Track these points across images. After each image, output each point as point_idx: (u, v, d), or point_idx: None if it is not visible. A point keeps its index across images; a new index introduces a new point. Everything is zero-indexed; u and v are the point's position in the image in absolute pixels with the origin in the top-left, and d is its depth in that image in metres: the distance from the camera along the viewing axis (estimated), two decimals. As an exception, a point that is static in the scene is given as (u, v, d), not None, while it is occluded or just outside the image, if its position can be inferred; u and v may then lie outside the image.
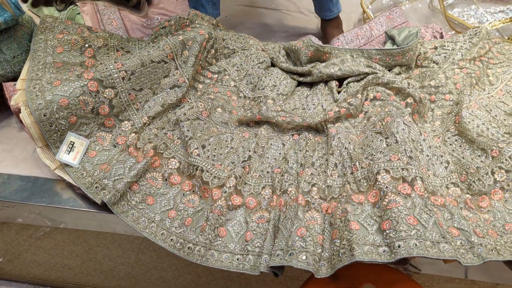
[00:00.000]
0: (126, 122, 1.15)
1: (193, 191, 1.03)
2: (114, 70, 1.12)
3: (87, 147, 1.10)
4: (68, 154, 1.06)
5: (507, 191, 0.97)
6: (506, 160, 0.98)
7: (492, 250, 0.83)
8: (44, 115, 1.04)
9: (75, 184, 1.06)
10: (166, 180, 1.05)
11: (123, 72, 1.13)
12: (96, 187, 1.03)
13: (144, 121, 1.15)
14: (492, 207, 0.96)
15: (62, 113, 1.05)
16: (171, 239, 0.95)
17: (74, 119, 1.08)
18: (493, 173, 0.99)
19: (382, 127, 1.05)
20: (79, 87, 1.08)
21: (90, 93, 1.08)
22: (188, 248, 0.92)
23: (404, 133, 1.01)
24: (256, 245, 0.91)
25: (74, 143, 1.08)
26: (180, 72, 1.23)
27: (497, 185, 0.98)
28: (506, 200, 0.96)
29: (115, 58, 1.22)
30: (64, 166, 1.08)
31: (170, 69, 1.23)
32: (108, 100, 1.12)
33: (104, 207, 1.01)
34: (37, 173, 1.13)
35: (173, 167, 1.06)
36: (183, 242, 0.94)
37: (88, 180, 1.05)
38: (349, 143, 1.04)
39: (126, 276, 1.41)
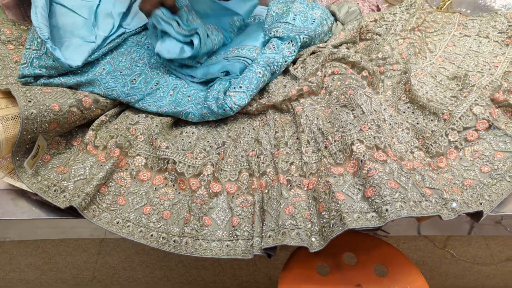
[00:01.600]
0: (84, 128, 1.10)
1: (166, 185, 1.00)
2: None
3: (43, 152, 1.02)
4: (32, 159, 0.97)
5: (460, 150, 1.06)
6: (457, 121, 1.07)
7: (462, 204, 0.90)
8: (32, 114, 0.92)
9: (30, 190, 0.97)
10: (134, 178, 1.01)
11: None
12: (55, 190, 0.96)
13: (102, 119, 1.09)
14: (450, 166, 1.04)
15: (48, 117, 0.95)
16: (151, 235, 0.92)
17: (54, 126, 0.99)
18: (447, 134, 1.07)
19: (346, 100, 1.08)
20: (74, 98, 1.02)
21: (81, 108, 1.04)
22: (174, 241, 0.90)
23: (367, 104, 1.05)
24: (245, 229, 0.91)
25: (39, 147, 0.98)
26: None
27: (452, 145, 1.06)
28: (461, 158, 1.05)
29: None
30: (18, 171, 0.98)
31: None
32: (90, 118, 1.09)
33: (66, 212, 0.95)
34: (-16, 185, 1.02)
35: (140, 164, 1.02)
36: (166, 236, 0.92)
37: (45, 184, 0.97)
38: (317, 118, 1.07)
39: (91, 282, 1.35)
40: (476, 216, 0.93)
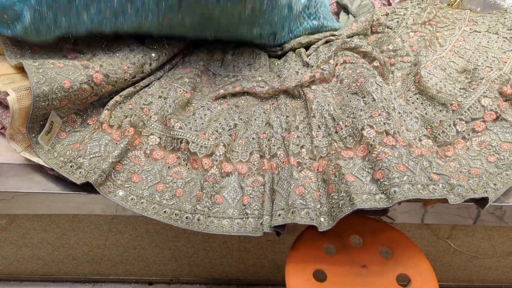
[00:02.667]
0: (99, 107, 1.14)
1: (179, 164, 1.03)
2: (120, 71, 1.15)
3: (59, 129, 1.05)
4: (46, 135, 1.00)
5: (467, 140, 1.08)
6: (465, 112, 1.09)
7: (468, 190, 0.92)
8: (43, 92, 0.97)
9: (46, 165, 1.00)
10: (148, 156, 1.03)
11: (128, 74, 1.16)
12: (71, 166, 0.99)
13: (117, 100, 1.12)
14: (457, 155, 1.06)
15: (59, 94, 0.99)
16: (165, 211, 0.95)
17: (66, 103, 1.02)
18: (455, 124, 1.09)
19: (357, 87, 1.11)
20: (85, 74, 1.05)
21: (92, 84, 1.06)
22: (186, 218, 0.92)
23: (378, 92, 1.07)
24: (255, 208, 0.93)
25: (53, 123, 1.01)
26: (162, 72, 1.30)
27: (459, 135, 1.08)
28: (468, 148, 1.07)
29: (119, 59, 1.20)
30: (35, 147, 1.01)
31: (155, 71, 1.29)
32: (102, 94, 1.11)
33: (80, 188, 0.98)
34: (2, 159, 1.05)
35: (153, 143, 1.04)
36: (178, 213, 0.94)
37: (61, 160, 1.00)
38: (329, 105, 1.09)
39: (101, 260, 1.37)
40: (481, 203, 0.96)
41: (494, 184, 0.99)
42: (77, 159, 1.00)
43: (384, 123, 0.98)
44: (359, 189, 0.88)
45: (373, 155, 0.92)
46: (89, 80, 1.05)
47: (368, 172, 0.92)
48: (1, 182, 1.01)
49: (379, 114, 1.00)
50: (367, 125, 0.98)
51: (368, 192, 0.87)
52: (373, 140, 0.95)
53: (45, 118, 1.00)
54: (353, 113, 1.04)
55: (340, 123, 1.03)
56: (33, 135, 1.01)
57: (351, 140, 1.00)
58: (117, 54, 1.20)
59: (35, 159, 1.02)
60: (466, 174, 1.02)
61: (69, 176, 0.97)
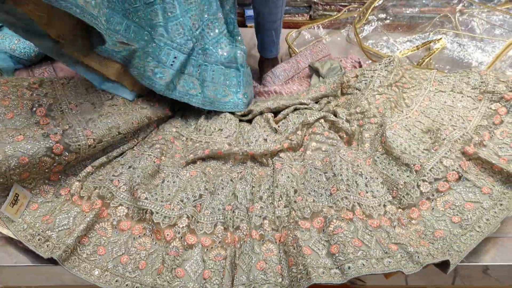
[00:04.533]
0: (71, 176, 1.15)
1: (144, 234, 1.04)
2: (83, 137, 1.13)
3: (29, 200, 1.07)
4: (12, 207, 1.03)
5: (432, 200, 1.09)
6: (427, 173, 1.11)
7: (427, 255, 0.93)
8: None
9: (15, 237, 1.02)
10: (115, 228, 1.05)
11: (91, 140, 1.14)
12: (39, 239, 1.00)
13: (88, 171, 1.15)
14: (422, 217, 1.07)
15: (18, 170, 1.02)
16: (126, 285, 0.95)
17: (26, 175, 1.05)
18: (418, 186, 1.11)
19: (321, 165, 1.19)
20: (44, 147, 1.05)
21: (52, 155, 1.07)
22: (147, 292, 0.93)
23: (341, 164, 1.12)
24: (215, 283, 0.93)
25: (18, 195, 1.04)
26: (136, 141, 1.32)
27: (424, 196, 1.10)
28: (432, 209, 1.08)
29: (84, 123, 1.18)
30: (4, 219, 1.03)
31: (129, 140, 1.30)
32: (66, 162, 1.12)
33: (49, 260, 0.99)
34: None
35: (121, 214, 1.06)
36: (140, 286, 0.94)
37: (30, 232, 1.02)
38: (292, 180, 1.14)
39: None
40: (444, 267, 0.96)
41: (458, 246, 0.99)
42: (45, 232, 1.01)
43: (342, 198, 1.02)
44: (315, 262, 0.89)
45: (330, 228, 0.95)
46: (48, 152, 1.06)
47: (323, 245, 0.94)
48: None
49: (337, 189, 1.05)
50: (327, 205, 1.03)
51: (324, 266, 0.89)
52: (331, 215, 0.98)
53: (4, 192, 1.03)
54: (314, 190, 1.10)
55: (301, 196, 1.07)
56: None
57: (308, 210, 1.02)
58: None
59: (5, 231, 1.04)
60: (430, 237, 1.02)
61: (36, 249, 0.99)
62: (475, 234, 1.00)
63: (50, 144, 1.07)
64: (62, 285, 1.12)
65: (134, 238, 1.03)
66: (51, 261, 1.00)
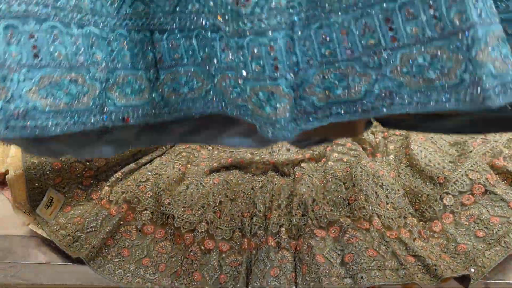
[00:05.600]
0: (102, 181, 1.21)
1: (166, 238, 1.08)
2: None
3: (62, 203, 1.15)
4: (47, 209, 1.10)
5: (456, 214, 1.06)
6: (451, 186, 1.09)
7: (446, 269, 0.91)
8: (35, 174, 1.10)
9: (49, 238, 1.09)
10: (139, 231, 1.10)
11: None
12: (69, 239, 1.07)
13: (118, 176, 1.21)
14: (445, 230, 1.05)
15: (52, 175, 1.11)
16: (146, 286, 0.99)
17: (60, 180, 1.14)
18: (441, 199, 1.09)
19: (342, 175, 1.18)
20: None
21: (83, 161, 1.15)
22: (165, 293, 0.97)
23: (362, 175, 1.12)
24: (230, 287, 0.96)
25: (53, 198, 1.12)
26: (165, 149, 1.35)
27: (447, 209, 1.07)
28: (456, 223, 1.05)
29: None
30: (40, 220, 1.11)
31: (158, 147, 1.34)
32: (97, 168, 1.19)
33: (78, 260, 1.04)
34: (13, 232, 1.15)
35: (145, 218, 1.11)
36: None
37: (61, 233, 1.09)
38: (312, 190, 1.15)
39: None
40: (467, 282, 0.93)
41: (481, 261, 0.96)
42: (75, 233, 1.08)
43: (360, 208, 1.02)
44: (328, 271, 0.90)
45: (345, 237, 0.96)
46: (79, 159, 1.14)
47: (338, 254, 0.95)
48: (10, 255, 1.11)
49: (356, 200, 1.05)
50: (345, 215, 1.03)
51: (337, 275, 0.89)
52: (347, 225, 0.99)
53: (40, 196, 1.11)
54: (333, 200, 1.10)
55: (319, 205, 1.07)
56: (34, 207, 1.11)
57: (325, 220, 1.03)
58: None
59: (40, 231, 1.12)
60: (452, 252, 1.00)
61: (66, 249, 1.05)
62: (500, 249, 0.97)
63: None
64: (91, 285, 1.18)
65: (156, 241, 1.07)
66: (80, 261, 1.06)
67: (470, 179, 1.08)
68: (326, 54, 0.46)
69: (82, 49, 0.44)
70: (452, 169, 1.13)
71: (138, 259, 1.04)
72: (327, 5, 0.44)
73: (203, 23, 0.50)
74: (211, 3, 0.47)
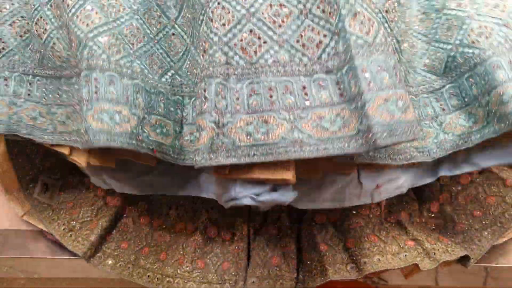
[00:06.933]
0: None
1: (165, 227, 1.07)
2: None
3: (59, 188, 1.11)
4: (45, 193, 1.07)
5: (453, 193, 1.07)
6: (449, 166, 1.09)
7: (444, 252, 0.92)
8: (24, 166, 1.04)
9: (46, 230, 1.06)
10: (136, 222, 1.08)
11: None
12: (63, 229, 1.04)
13: None
14: (442, 211, 1.05)
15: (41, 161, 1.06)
16: (148, 276, 0.99)
17: (49, 165, 1.08)
18: (438, 179, 1.07)
19: None
20: None
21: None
22: (167, 281, 0.97)
23: None
24: (232, 273, 0.96)
25: (47, 184, 1.08)
26: None
27: (444, 189, 1.08)
28: (453, 202, 1.06)
29: None
30: (40, 208, 1.07)
31: None
32: None
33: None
34: (7, 225, 1.12)
35: (142, 209, 1.09)
36: (160, 277, 0.98)
37: (57, 223, 1.05)
38: None
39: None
40: (465, 261, 0.95)
41: (479, 241, 0.98)
42: (70, 223, 1.05)
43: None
44: (332, 258, 0.90)
45: (346, 223, 0.95)
46: None
47: (340, 239, 0.95)
48: (5, 249, 1.08)
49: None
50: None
51: (340, 261, 0.90)
52: (348, 210, 0.98)
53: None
54: None
55: None
56: (27, 191, 1.06)
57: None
58: None
59: (35, 223, 1.08)
60: (450, 231, 1.01)
61: (64, 241, 1.03)
62: (496, 228, 0.99)
63: None
64: (87, 277, 1.17)
65: (154, 230, 1.06)
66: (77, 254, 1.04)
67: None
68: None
69: (129, 93, 0.60)
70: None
71: (138, 250, 1.03)
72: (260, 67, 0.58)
73: None
74: None
